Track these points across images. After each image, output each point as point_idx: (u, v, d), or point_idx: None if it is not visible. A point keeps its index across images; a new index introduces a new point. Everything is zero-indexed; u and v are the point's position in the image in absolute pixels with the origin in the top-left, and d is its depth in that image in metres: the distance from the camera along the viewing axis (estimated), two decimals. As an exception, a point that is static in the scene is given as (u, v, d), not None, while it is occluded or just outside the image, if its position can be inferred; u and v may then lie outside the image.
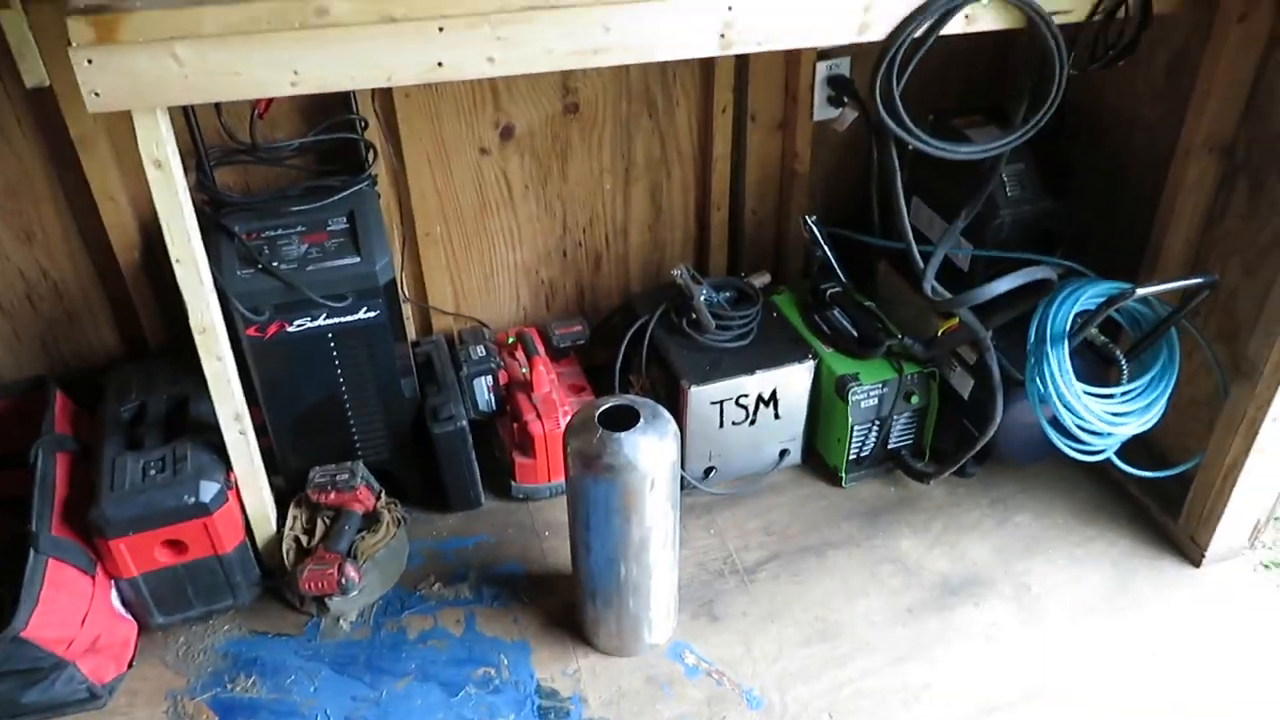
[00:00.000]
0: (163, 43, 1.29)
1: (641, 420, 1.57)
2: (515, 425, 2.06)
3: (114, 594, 1.73)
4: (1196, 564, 1.96)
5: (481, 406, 2.09)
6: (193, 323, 1.59)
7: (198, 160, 1.83)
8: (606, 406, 1.60)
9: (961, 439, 2.03)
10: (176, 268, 1.52)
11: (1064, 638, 1.82)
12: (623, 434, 1.54)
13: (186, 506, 1.68)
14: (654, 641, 1.80)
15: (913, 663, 1.78)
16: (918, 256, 1.87)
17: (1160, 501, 2.04)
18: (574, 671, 1.77)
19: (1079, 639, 1.82)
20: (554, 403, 2.04)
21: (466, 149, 2.08)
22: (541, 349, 2.18)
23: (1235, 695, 1.72)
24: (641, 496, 1.56)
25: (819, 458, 2.21)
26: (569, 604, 1.84)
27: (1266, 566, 1.97)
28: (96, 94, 1.31)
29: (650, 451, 1.54)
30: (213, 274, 1.61)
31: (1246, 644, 1.82)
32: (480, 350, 2.14)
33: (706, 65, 2.15)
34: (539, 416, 2.01)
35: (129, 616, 1.77)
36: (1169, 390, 1.85)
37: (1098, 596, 1.90)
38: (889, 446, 2.15)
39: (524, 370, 2.11)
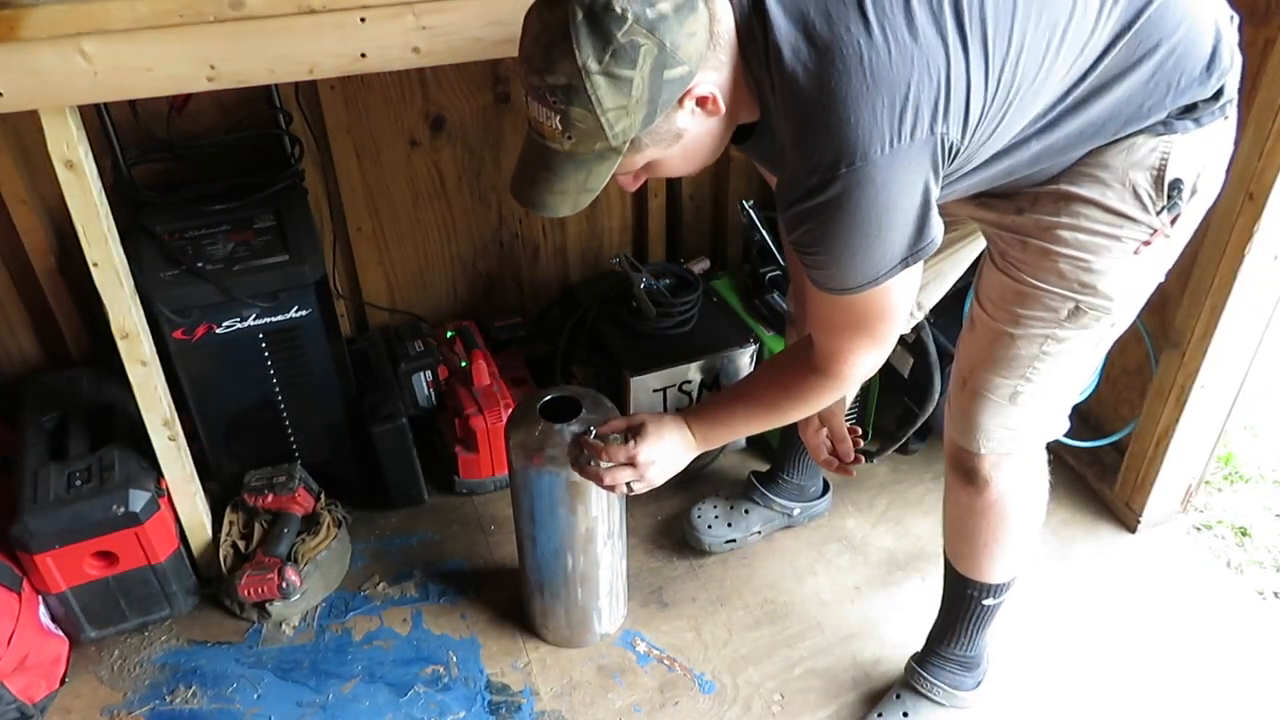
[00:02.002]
0: (69, 39, 1.24)
1: (583, 411, 1.55)
2: (457, 420, 2.03)
3: (42, 609, 1.67)
4: (1132, 530, 2.00)
5: (421, 402, 2.07)
6: (114, 328, 1.53)
7: (114, 160, 1.76)
8: (548, 398, 1.59)
9: (903, 417, 2.05)
10: (94, 271, 1.47)
11: (1007, 605, 1.85)
12: (565, 425, 1.53)
13: (115, 517, 1.63)
14: (604, 631, 1.80)
15: (862, 639, 1.80)
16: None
17: (1096, 470, 2.09)
18: (524, 665, 1.76)
19: (1021, 606, 1.85)
20: (495, 396, 2.01)
21: (396, 141, 2.04)
22: (481, 342, 2.15)
23: (1172, 654, 1.77)
24: (586, 487, 1.55)
25: (763, 441, 2.22)
26: (517, 598, 1.83)
27: (1199, 529, 2.03)
28: (0, 94, 1.26)
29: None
30: (134, 276, 1.56)
31: (1182, 605, 1.87)
32: (418, 345, 2.11)
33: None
34: (481, 410, 1.99)
35: (59, 632, 1.72)
36: (1102, 361, 1.89)
37: (1038, 564, 1.94)
38: (832, 427, 2.16)
39: (464, 364, 2.08)
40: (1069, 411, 1.41)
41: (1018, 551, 1.49)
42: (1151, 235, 1.18)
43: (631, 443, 1.40)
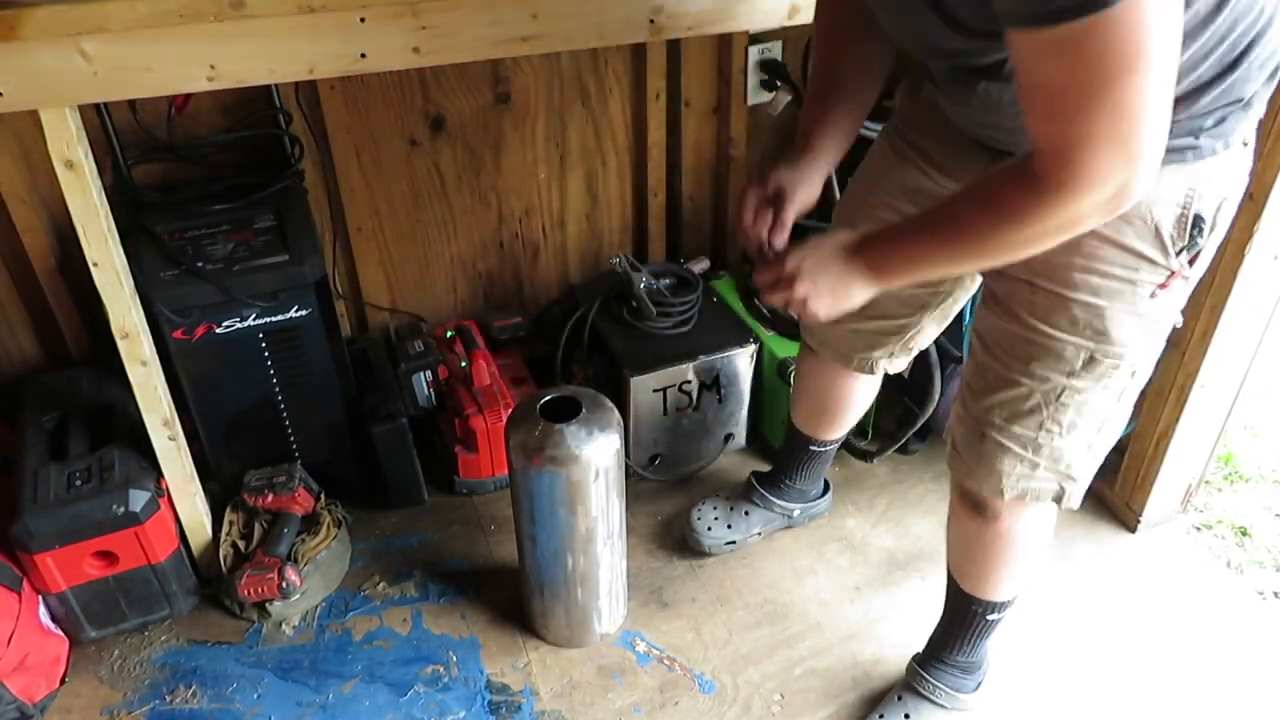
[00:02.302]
0: (69, 38, 1.24)
1: (583, 410, 1.55)
2: (457, 420, 2.03)
3: (42, 609, 1.67)
4: (1132, 529, 2.00)
5: (421, 402, 2.06)
6: (114, 328, 1.53)
7: (114, 159, 1.76)
8: (548, 398, 1.59)
9: (903, 417, 2.05)
10: (94, 271, 1.47)
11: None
12: (564, 425, 1.53)
13: (115, 516, 1.63)
14: (604, 631, 1.80)
15: (862, 639, 1.80)
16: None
17: (1096, 470, 2.08)
18: (524, 665, 1.76)
19: (1022, 606, 1.85)
20: (495, 396, 2.01)
21: (396, 141, 2.04)
22: (481, 342, 2.15)
23: (1172, 654, 1.77)
24: (586, 487, 1.55)
25: (763, 441, 2.22)
26: (517, 598, 1.83)
27: (1198, 529, 2.03)
28: (0, 93, 1.26)
29: (593, 442, 1.53)
30: (134, 276, 1.56)
31: (1182, 605, 1.87)
32: (418, 345, 2.11)
33: (638, 52, 2.14)
34: (481, 410, 1.99)
35: (59, 632, 1.72)
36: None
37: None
38: (832, 427, 2.16)
39: (464, 364, 2.08)
40: (1099, 462, 1.32)
41: (1024, 573, 1.48)
42: (1169, 278, 1.10)
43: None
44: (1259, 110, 1.07)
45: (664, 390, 2.02)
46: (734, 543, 1.94)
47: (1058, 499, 1.32)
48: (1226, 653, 1.77)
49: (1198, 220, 1.07)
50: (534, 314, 2.35)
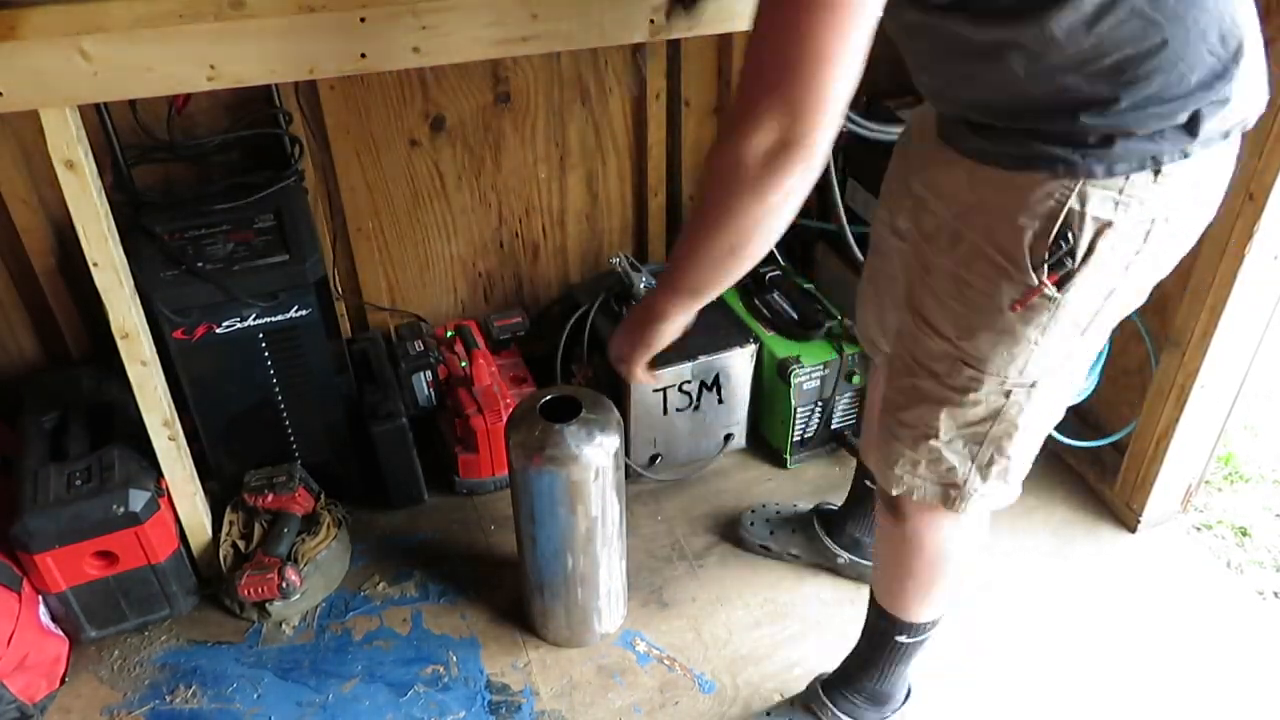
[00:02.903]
0: (69, 38, 1.24)
1: (583, 410, 1.55)
2: (457, 420, 2.03)
3: (42, 609, 1.68)
4: (1133, 529, 2.00)
5: (421, 402, 2.06)
6: (114, 328, 1.53)
7: (113, 159, 1.76)
8: (548, 398, 1.59)
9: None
10: (95, 271, 1.47)
11: (1007, 606, 1.85)
12: (564, 425, 1.53)
13: (116, 516, 1.63)
14: (604, 631, 1.80)
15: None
16: (852, 239, 1.88)
17: (1096, 469, 2.08)
18: (524, 665, 1.76)
19: (1021, 606, 1.85)
20: (495, 396, 2.01)
21: (396, 141, 2.04)
22: (481, 342, 2.15)
23: (1172, 654, 1.77)
24: (586, 487, 1.55)
25: (763, 440, 2.22)
26: (517, 598, 1.83)
27: (1198, 529, 2.03)
28: (0, 93, 1.26)
29: (593, 442, 1.53)
30: (134, 276, 1.56)
31: (1182, 605, 1.87)
32: (418, 345, 2.11)
33: (638, 51, 2.13)
34: (480, 410, 1.99)
35: (59, 632, 1.72)
36: (1102, 361, 1.89)
37: (1039, 564, 1.94)
38: (832, 427, 2.16)
39: (464, 364, 2.08)
40: (994, 475, 1.24)
41: (942, 594, 1.41)
42: (1026, 294, 1.05)
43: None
44: (1179, 151, 0.98)
45: (664, 390, 2.02)
46: (769, 550, 1.93)
47: (945, 502, 1.26)
48: (1226, 653, 1.77)
49: (1064, 237, 1.01)
50: (534, 314, 2.35)
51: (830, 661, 1.75)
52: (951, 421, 1.19)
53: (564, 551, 1.64)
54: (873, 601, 1.49)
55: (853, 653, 1.58)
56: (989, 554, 1.95)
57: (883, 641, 1.49)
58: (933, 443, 1.21)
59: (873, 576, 1.49)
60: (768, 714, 1.63)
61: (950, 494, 1.25)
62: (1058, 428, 1.93)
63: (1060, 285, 1.04)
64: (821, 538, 1.88)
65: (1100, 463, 2.08)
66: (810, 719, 1.60)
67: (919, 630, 1.44)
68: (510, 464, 1.61)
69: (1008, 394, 1.15)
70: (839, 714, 1.57)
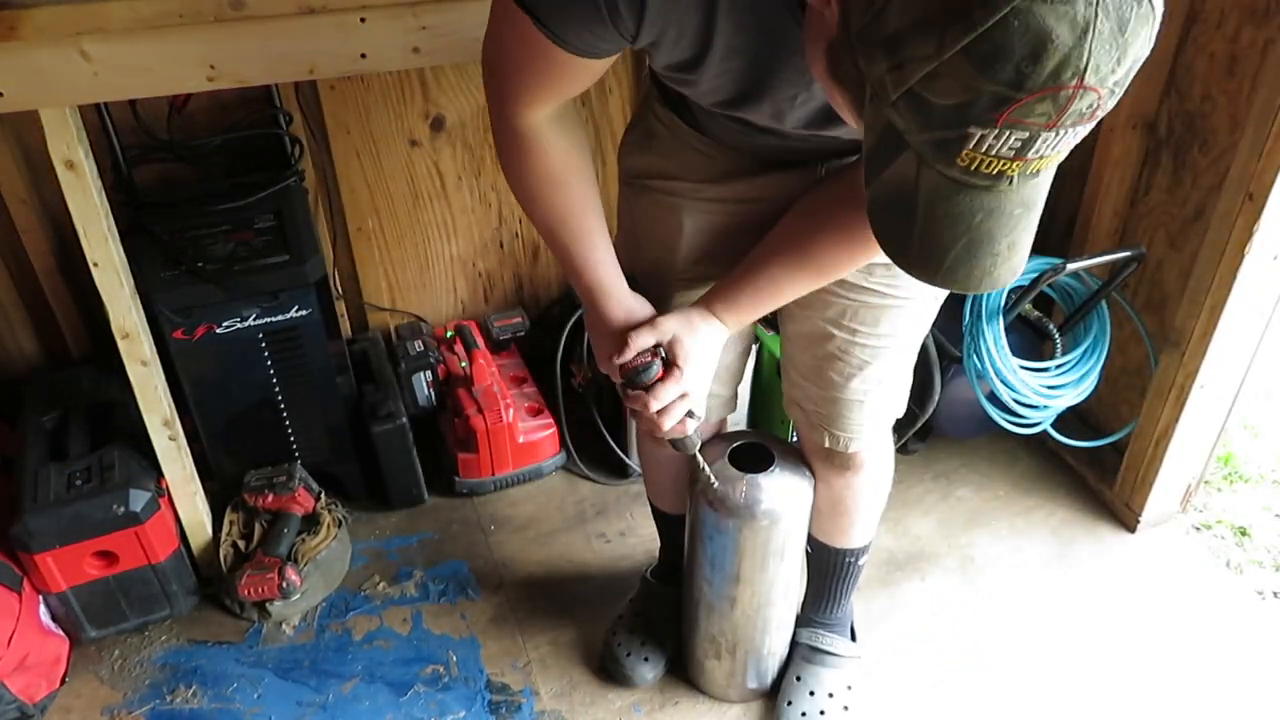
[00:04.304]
0: (69, 39, 1.25)
1: (775, 463, 1.44)
2: (457, 420, 2.03)
3: (42, 609, 1.68)
4: (1132, 529, 2.00)
5: (421, 402, 2.06)
6: (114, 327, 1.54)
7: (114, 159, 1.76)
8: (739, 444, 1.46)
9: (903, 417, 2.04)
10: (95, 271, 1.47)
11: (1007, 606, 1.86)
12: (755, 475, 1.42)
13: (116, 516, 1.63)
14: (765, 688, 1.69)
15: (861, 639, 1.79)
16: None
17: (1096, 470, 2.08)
18: (524, 665, 1.76)
19: (1022, 607, 1.85)
20: (495, 396, 2.01)
21: (396, 141, 2.04)
22: (481, 342, 2.15)
23: (1172, 654, 1.77)
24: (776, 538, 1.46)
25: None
26: (516, 598, 1.83)
27: (1198, 529, 2.03)
28: (1, 94, 1.26)
29: (789, 495, 1.44)
30: (134, 276, 1.56)
31: (1182, 605, 1.87)
32: (418, 345, 2.11)
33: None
34: (481, 410, 1.99)
35: (59, 632, 1.72)
36: (1101, 362, 1.89)
37: (1039, 564, 1.94)
38: (832, 427, 2.15)
39: (464, 364, 2.08)
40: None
41: (880, 510, 1.57)
42: None
43: (675, 370, 1.20)
44: None
45: (664, 390, 2.01)
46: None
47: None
48: (1226, 653, 1.77)
49: None
50: (534, 314, 2.35)
51: (830, 661, 1.75)
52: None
53: (765, 606, 1.56)
54: (827, 549, 1.58)
55: (808, 599, 1.69)
56: (988, 554, 1.96)
57: (845, 573, 1.62)
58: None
59: (822, 528, 1.55)
60: (790, 702, 1.64)
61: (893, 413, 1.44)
62: (1058, 428, 1.95)
63: None
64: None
65: (1100, 463, 2.08)
66: (818, 655, 1.66)
67: (869, 546, 1.61)
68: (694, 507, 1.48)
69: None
70: (840, 639, 1.68)
